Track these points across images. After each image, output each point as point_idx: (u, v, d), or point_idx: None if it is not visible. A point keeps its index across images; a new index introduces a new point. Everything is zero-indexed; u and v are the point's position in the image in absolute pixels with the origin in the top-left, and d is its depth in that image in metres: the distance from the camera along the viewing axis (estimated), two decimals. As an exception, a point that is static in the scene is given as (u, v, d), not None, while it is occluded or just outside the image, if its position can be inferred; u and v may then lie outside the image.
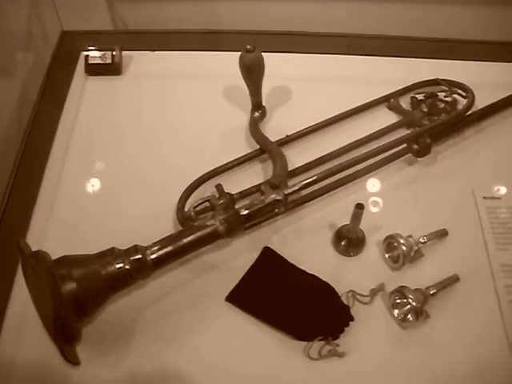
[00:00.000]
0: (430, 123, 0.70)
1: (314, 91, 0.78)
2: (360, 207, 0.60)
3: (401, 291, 0.60)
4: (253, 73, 0.67)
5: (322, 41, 0.83)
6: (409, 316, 0.60)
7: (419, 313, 0.59)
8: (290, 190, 0.61)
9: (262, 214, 0.62)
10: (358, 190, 0.69)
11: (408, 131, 0.72)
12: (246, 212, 0.60)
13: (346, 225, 0.64)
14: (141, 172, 0.71)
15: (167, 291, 0.62)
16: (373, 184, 0.70)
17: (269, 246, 0.64)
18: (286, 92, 0.79)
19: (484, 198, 0.70)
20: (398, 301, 0.61)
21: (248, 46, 0.65)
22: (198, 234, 0.59)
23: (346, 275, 0.63)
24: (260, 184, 0.65)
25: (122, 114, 0.76)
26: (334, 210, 0.67)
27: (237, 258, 0.64)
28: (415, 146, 0.67)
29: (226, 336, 0.59)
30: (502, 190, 0.71)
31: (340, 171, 0.64)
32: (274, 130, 0.73)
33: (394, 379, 0.58)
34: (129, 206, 0.68)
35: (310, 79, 0.80)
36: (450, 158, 0.73)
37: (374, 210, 0.68)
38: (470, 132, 0.76)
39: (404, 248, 0.62)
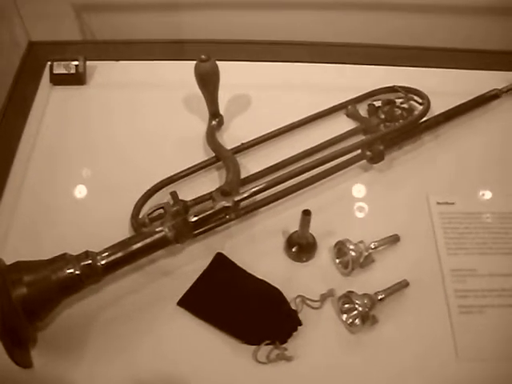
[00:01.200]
0: (384, 130, 0.70)
1: (273, 99, 0.79)
2: (307, 213, 0.60)
3: (348, 296, 0.61)
4: (208, 82, 0.68)
5: (282, 49, 0.84)
6: (356, 321, 0.61)
7: (366, 318, 0.60)
8: (239, 197, 0.62)
9: (213, 221, 0.64)
10: (313, 196, 0.70)
11: (363, 138, 0.73)
12: (194, 219, 0.61)
13: (296, 231, 0.65)
14: (101, 180, 0.72)
15: (122, 296, 0.63)
16: (327, 190, 0.71)
17: (221, 251, 0.66)
18: (246, 100, 0.80)
19: (438, 203, 0.71)
20: (346, 306, 0.61)
21: (202, 56, 0.67)
22: (147, 240, 0.60)
23: (297, 280, 0.64)
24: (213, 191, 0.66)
25: (84, 122, 0.77)
26: (288, 216, 0.67)
27: (190, 263, 0.65)
28: (368, 153, 0.68)
29: (177, 340, 0.60)
30: (456, 196, 0.71)
31: (290, 178, 0.65)
32: (231, 138, 0.74)
33: (341, 378, 0.58)
34: (88, 212, 0.69)
35: (269, 87, 0.81)
36: (406, 164, 0.74)
37: (327, 215, 0.68)
38: (427, 138, 0.76)
39: (353, 254, 0.63)
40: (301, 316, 0.61)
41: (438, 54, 0.85)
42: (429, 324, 0.62)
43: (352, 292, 0.61)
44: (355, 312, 0.60)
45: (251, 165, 0.71)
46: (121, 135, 0.76)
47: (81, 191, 0.71)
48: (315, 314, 0.62)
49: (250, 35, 0.83)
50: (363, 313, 0.59)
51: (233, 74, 0.78)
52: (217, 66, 0.68)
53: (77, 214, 0.69)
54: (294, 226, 0.66)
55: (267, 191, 0.66)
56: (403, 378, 0.59)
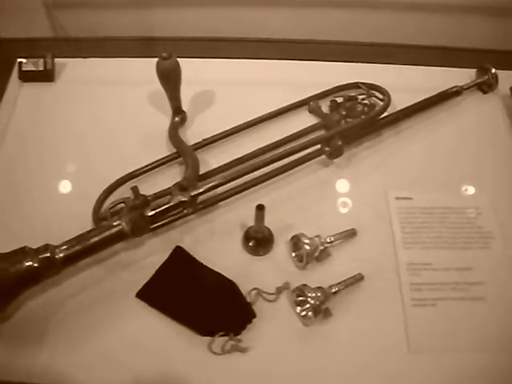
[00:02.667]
0: (343, 125, 0.71)
1: (238, 96, 0.80)
2: (260, 208, 0.62)
3: (301, 289, 0.62)
4: (169, 79, 0.69)
5: (247, 46, 0.85)
6: (309, 313, 0.62)
7: (318, 310, 0.61)
8: (196, 192, 0.64)
9: (170, 215, 0.65)
10: (272, 191, 0.71)
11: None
12: (151, 213, 0.63)
13: (253, 225, 0.66)
14: (66, 175, 0.73)
15: (83, 288, 0.64)
16: (287, 185, 0.72)
17: (181, 245, 0.67)
18: (210, 97, 0.81)
19: (396, 198, 0.72)
20: (300, 298, 0.63)
21: (163, 54, 0.68)
22: (105, 233, 0.61)
23: (254, 274, 0.65)
24: (172, 186, 0.68)
25: (52, 119, 0.78)
26: (247, 210, 0.67)
27: (150, 256, 0.66)
28: (327, 148, 0.69)
29: (135, 331, 0.61)
30: (415, 191, 0.73)
31: (248, 173, 0.66)
32: (195, 134, 0.75)
33: (295, 374, 0.60)
34: (53, 207, 0.70)
35: (233, 84, 0.82)
36: (366, 160, 0.75)
37: (286, 210, 0.70)
38: (388, 134, 0.78)
39: (307, 247, 0.64)
40: (256, 308, 0.63)
41: (403, 50, 0.86)
42: (382, 317, 0.64)
43: (305, 285, 0.62)
44: (308, 305, 0.61)
45: (213, 160, 0.73)
46: (87, 131, 0.77)
47: (47, 186, 0.72)
48: (271, 306, 0.63)
49: (217, 32, 0.84)
50: (315, 306, 0.61)
51: (198, 70, 0.81)
52: (178, 64, 0.69)
53: (42, 208, 0.70)
54: (252, 221, 0.67)
55: (227, 186, 0.67)
56: (356, 370, 0.60)
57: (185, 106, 0.78)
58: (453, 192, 0.73)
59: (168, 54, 0.68)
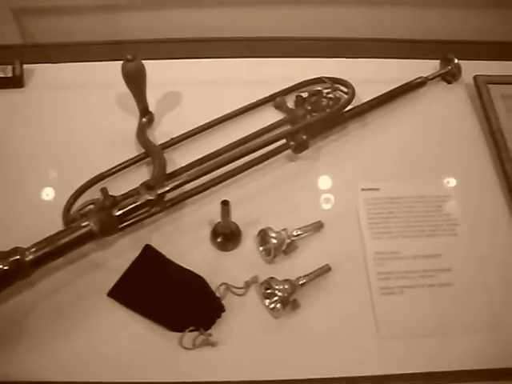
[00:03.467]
0: (307, 120, 0.72)
1: (205, 95, 0.81)
2: (225, 203, 0.62)
3: (268, 282, 0.63)
4: (134, 81, 0.70)
5: (212, 45, 0.86)
6: (277, 306, 0.62)
7: (286, 302, 0.62)
8: (162, 191, 0.65)
9: (138, 214, 0.66)
10: (240, 186, 0.72)
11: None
12: (119, 213, 0.63)
13: (220, 221, 0.67)
14: (37, 179, 0.74)
15: (55, 289, 0.65)
16: (254, 180, 0.72)
17: (150, 243, 0.67)
18: (178, 97, 0.81)
19: (363, 189, 0.73)
20: (268, 291, 0.63)
21: (128, 56, 0.69)
22: (74, 234, 0.61)
23: (223, 269, 0.66)
24: (140, 185, 0.68)
25: (22, 124, 0.79)
26: (215, 207, 0.67)
27: (121, 255, 0.67)
28: (292, 143, 0.70)
29: (108, 329, 0.62)
30: (382, 182, 0.73)
31: (213, 170, 0.67)
32: (164, 134, 0.76)
33: (266, 367, 0.60)
34: (24, 211, 0.70)
35: (201, 83, 0.82)
36: (333, 153, 0.76)
37: (254, 205, 0.71)
38: (355, 126, 0.79)
39: (274, 241, 0.65)
40: (226, 303, 0.63)
41: (367, 44, 0.87)
42: (351, 306, 0.65)
43: (273, 278, 0.63)
44: (276, 297, 0.62)
45: (182, 159, 0.73)
46: (56, 136, 0.78)
47: (16, 190, 0.73)
48: (240, 300, 0.64)
49: (183, 34, 0.85)
50: (283, 298, 0.62)
51: (166, 71, 0.82)
52: (142, 65, 0.70)
53: (12, 212, 0.70)
54: (217, 215, 0.67)
55: (195, 183, 0.68)
56: (327, 359, 0.61)
57: (153, 106, 0.78)
58: (419, 181, 0.74)
59: (132, 56, 0.68)
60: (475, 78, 0.81)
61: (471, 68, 0.84)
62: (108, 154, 0.74)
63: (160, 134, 0.76)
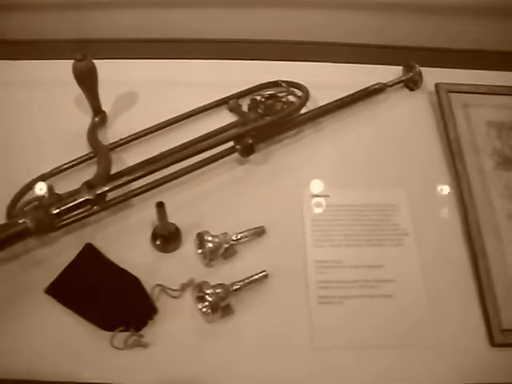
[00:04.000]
0: (255, 123, 0.72)
1: (162, 96, 0.81)
2: (159, 205, 0.62)
3: (200, 286, 0.62)
4: (85, 80, 0.70)
5: (172, 46, 0.86)
6: (208, 310, 0.62)
7: (216, 307, 0.61)
8: (101, 190, 0.65)
9: (78, 213, 0.66)
10: (187, 188, 0.71)
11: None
12: (56, 211, 0.64)
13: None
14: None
15: (-5, 284, 0.65)
16: (201, 183, 0.72)
17: (91, 242, 0.67)
18: (133, 97, 0.81)
19: (312, 195, 0.72)
20: (200, 295, 0.63)
21: (78, 55, 0.69)
22: (9, 231, 0.62)
23: (162, 271, 0.66)
24: (84, 184, 0.69)
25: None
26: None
27: (63, 253, 0.67)
28: (238, 146, 0.70)
29: (43, 327, 0.62)
30: (332, 188, 0.73)
31: (156, 171, 0.67)
32: (118, 134, 0.75)
33: (196, 371, 0.60)
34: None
35: (158, 84, 0.82)
36: (284, 157, 0.75)
37: (199, 207, 0.70)
38: (309, 131, 0.78)
39: (210, 245, 0.65)
40: (161, 304, 0.63)
41: (331, 48, 0.86)
42: (287, 314, 0.64)
43: (205, 282, 0.62)
44: (206, 302, 0.62)
45: (131, 159, 0.73)
46: (12, 132, 0.78)
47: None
48: (175, 302, 0.64)
49: (142, 33, 0.85)
50: (213, 303, 0.61)
51: (123, 71, 0.83)
52: (93, 65, 0.70)
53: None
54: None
55: (140, 183, 0.68)
56: (257, 368, 0.60)
57: (109, 106, 0.79)
58: (372, 189, 0.73)
59: (82, 56, 0.69)
60: (436, 85, 0.79)
61: (437, 75, 0.82)
62: (61, 152, 0.74)
63: (114, 134, 0.76)
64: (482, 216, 0.70)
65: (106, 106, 0.78)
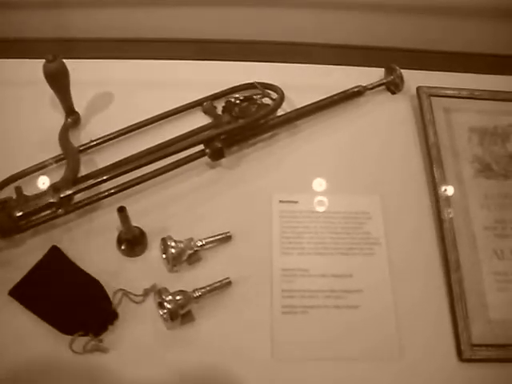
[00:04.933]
0: (226, 127, 0.70)
1: (138, 97, 0.80)
2: (121, 210, 0.62)
3: (159, 292, 0.62)
4: (55, 81, 0.70)
5: (148, 46, 0.85)
6: (167, 317, 0.61)
7: (175, 314, 0.60)
8: (65, 194, 0.64)
9: (43, 215, 0.65)
10: (156, 192, 0.71)
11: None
12: (19, 213, 0.64)
13: (123, 227, 0.66)
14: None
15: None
16: (170, 187, 0.71)
17: (57, 245, 0.67)
18: (108, 98, 0.80)
19: (280, 201, 0.70)
20: (160, 301, 0.62)
21: (48, 56, 0.68)
22: (-29, 232, 0.63)
23: (127, 275, 0.65)
24: (51, 186, 0.68)
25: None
26: (130, 211, 0.65)
27: (29, 255, 0.66)
28: (208, 150, 0.69)
29: (5, 329, 0.62)
30: (302, 194, 0.71)
31: (123, 174, 0.66)
32: (91, 135, 0.75)
33: (155, 378, 0.59)
34: None
35: (135, 85, 0.81)
36: (256, 161, 0.74)
37: (167, 211, 0.69)
38: (285, 134, 0.76)
39: (173, 251, 0.64)
40: (123, 310, 0.63)
41: (308, 49, 0.84)
42: (249, 323, 0.63)
43: (164, 288, 0.62)
44: (165, 309, 0.61)
45: (103, 161, 0.71)
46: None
47: None
48: (137, 308, 0.63)
49: (118, 33, 0.84)
50: (172, 310, 0.60)
51: (98, 71, 0.82)
52: (64, 66, 0.69)
53: None
54: (132, 221, 0.67)
55: (108, 186, 0.67)
56: (216, 377, 0.59)
57: (84, 106, 0.78)
58: (344, 196, 0.71)
59: (53, 57, 0.68)
60: (418, 89, 0.77)
61: (421, 78, 0.80)
62: (34, 153, 0.73)
63: (88, 135, 0.75)
64: (459, 226, 0.68)
65: (81, 106, 0.77)
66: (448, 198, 0.70)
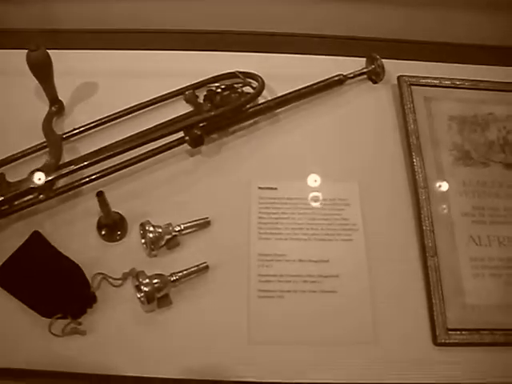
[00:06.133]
0: (205, 114, 0.71)
1: (122, 86, 0.80)
2: (99, 195, 0.63)
3: (137, 276, 0.63)
4: (39, 70, 0.71)
5: (132, 37, 0.86)
6: (144, 300, 0.62)
7: (151, 297, 0.61)
8: (45, 179, 0.66)
9: (24, 201, 0.67)
10: (138, 178, 0.72)
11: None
12: (1, 198, 0.65)
13: (102, 213, 0.67)
14: None
15: None
16: (151, 173, 0.72)
17: (42, 229, 0.68)
18: (94, 87, 0.81)
19: (259, 188, 0.71)
20: (137, 284, 0.63)
21: (32, 46, 0.69)
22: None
23: (107, 260, 0.66)
24: (33, 172, 0.70)
25: None
26: (112, 197, 0.67)
27: (12, 239, 0.67)
28: (187, 138, 0.70)
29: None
30: (281, 181, 0.72)
31: (103, 160, 0.68)
32: (75, 124, 0.75)
33: (134, 359, 0.60)
34: None
35: (118, 75, 0.82)
36: (236, 149, 0.75)
37: (148, 197, 0.70)
38: (265, 123, 0.77)
39: (151, 235, 0.65)
40: (102, 293, 0.64)
41: (291, 39, 0.85)
42: (226, 307, 0.64)
43: (142, 272, 0.62)
44: (142, 292, 0.62)
45: (86, 149, 0.73)
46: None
47: None
48: (116, 292, 0.64)
49: (103, 24, 0.86)
50: (148, 293, 0.61)
51: (82, 61, 0.83)
52: (47, 55, 0.70)
53: None
54: (112, 207, 0.67)
55: (90, 172, 0.69)
56: (193, 359, 0.60)
57: (69, 96, 0.79)
58: (324, 183, 0.72)
59: (36, 46, 0.69)
60: (399, 78, 0.78)
61: (403, 68, 0.80)
62: (19, 141, 0.74)
63: (72, 123, 0.76)
64: (436, 212, 0.69)
65: (65, 95, 0.79)
66: (426, 185, 0.70)
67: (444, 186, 0.71)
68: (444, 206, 0.69)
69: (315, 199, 0.70)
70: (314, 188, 0.72)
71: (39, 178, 0.66)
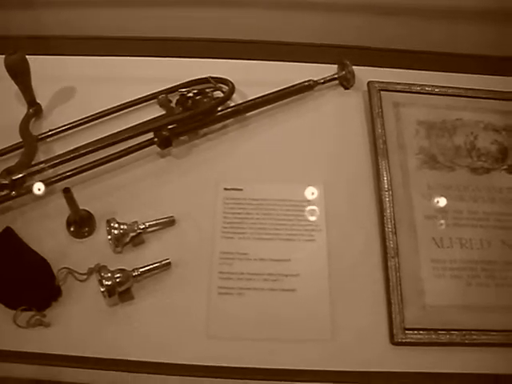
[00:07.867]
0: (174, 117, 0.73)
1: (98, 91, 0.83)
2: (65, 191, 0.65)
3: (99, 270, 0.64)
4: (17, 74, 0.74)
5: (110, 44, 0.89)
6: (105, 293, 0.64)
7: (112, 292, 0.63)
8: (16, 176, 0.68)
9: (-2, 197, 0.70)
10: (108, 178, 0.74)
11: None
12: (-26, 194, 0.68)
13: (71, 209, 0.70)
14: None
15: None
16: (123, 173, 0.74)
17: (14, 226, 0.70)
18: (71, 92, 0.84)
19: (225, 189, 0.73)
20: (99, 279, 0.65)
21: (9, 50, 0.73)
22: None
23: (75, 255, 0.68)
24: (7, 171, 0.72)
25: None
26: (82, 195, 0.69)
27: None
28: (156, 139, 0.72)
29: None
30: (247, 183, 0.73)
31: (72, 160, 0.70)
32: (52, 126, 0.78)
33: (95, 352, 0.61)
34: None
35: (95, 80, 0.85)
36: (205, 151, 0.77)
37: (117, 196, 0.72)
38: (235, 126, 0.79)
39: (115, 232, 0.67)
40: (68, 287, 0.66)
41: (264, 46, 0.87)
42: (186, 303, 0.65)
43: (104, 266, 0.64)
44: (104, 286, 0.63)
45: (61, 149, 0.74)
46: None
47: None
48: (81, 286, 0.66)
49: (80, 31, 0.89)
50: (110, 287, 0.63)
51: (61, 67, 0.86)
52: (24, 59, 0.74)
53: None
54: (83, 205, 0.70)
55: (61, 171, 0.71)
56: (153, 354, 0.61)
57: (47, 99, 0.82)
58: (290, 185, 0.73)
59: (13, 50, 0.73)
60: (368, 83, 0.79)
61: (374, 75, 0.82)
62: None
63: (49, 126, 0.79)
64: (399, 214, 0.70)
65: (44, 99, 0.81)
66: (390, 188, 0.71)
67: (408, 189, 0.71)
68: (407, 209, 0.70)
69: (280, 200, 0.72)
70: (279, 189, 0.73)
71: (11, 176, 0.69)
